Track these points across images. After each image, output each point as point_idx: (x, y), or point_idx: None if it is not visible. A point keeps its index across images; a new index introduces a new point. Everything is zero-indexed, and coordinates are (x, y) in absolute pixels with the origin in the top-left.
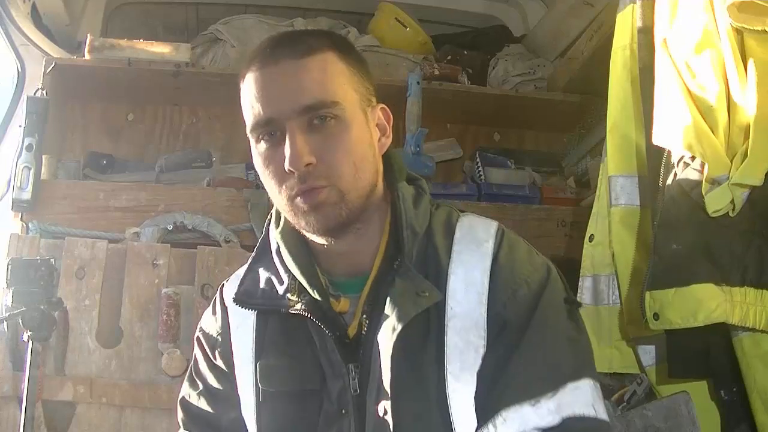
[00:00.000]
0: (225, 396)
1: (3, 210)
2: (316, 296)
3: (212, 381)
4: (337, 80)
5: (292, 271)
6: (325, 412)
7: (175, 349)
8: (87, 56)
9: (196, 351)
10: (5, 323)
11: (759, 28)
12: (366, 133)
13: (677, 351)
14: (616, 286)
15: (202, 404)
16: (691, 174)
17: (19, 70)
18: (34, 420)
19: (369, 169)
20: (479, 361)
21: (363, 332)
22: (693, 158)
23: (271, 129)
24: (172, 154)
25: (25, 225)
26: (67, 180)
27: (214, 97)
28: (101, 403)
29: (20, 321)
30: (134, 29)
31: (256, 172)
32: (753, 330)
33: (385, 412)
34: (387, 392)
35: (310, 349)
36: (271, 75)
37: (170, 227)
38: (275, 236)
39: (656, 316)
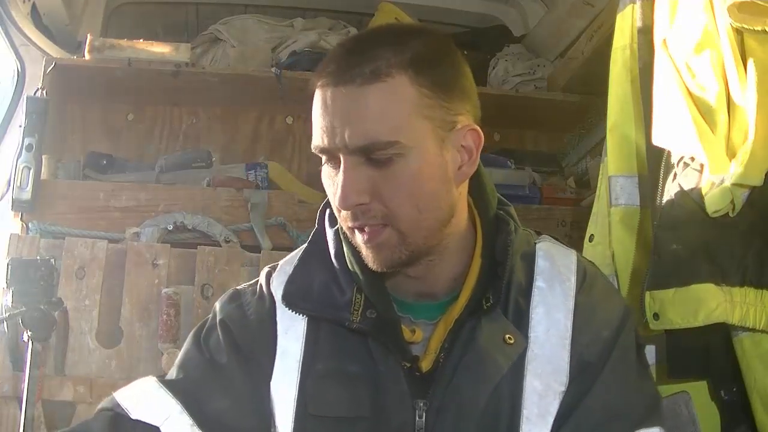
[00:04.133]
0: (229, 382)
1: (3, 210)
2: (388, 315)
3: (229, 369)
4: (400, 113)
5: (358, 284)
6: None
7: (175, 349)
8: (87, 56)
9: (219, 329)
10: (5, 323)
11: (759, 28)
12: (436, 168)
13: (677, 351)
14: (616, 286)
15: (197, 373)
16: (691, 174)
17: (19, 70)
18: (34, 420)
19: (439, 206)
20: (557, 406)
21: (438, 368)
22: (693, 158)
23: (328, 156)
24: (172, 154)
25: (25, 225)
26: (67, 180)
27: (214, 97)
28: None
29: (20, 321)
30: (134, 29)
31: (256, 172)
32: (753, 330)
33: None
34: None
35: (368, 372)
36: (332, 100)
37: (170, 227)
38: (333, 237)
39: (656, 316)
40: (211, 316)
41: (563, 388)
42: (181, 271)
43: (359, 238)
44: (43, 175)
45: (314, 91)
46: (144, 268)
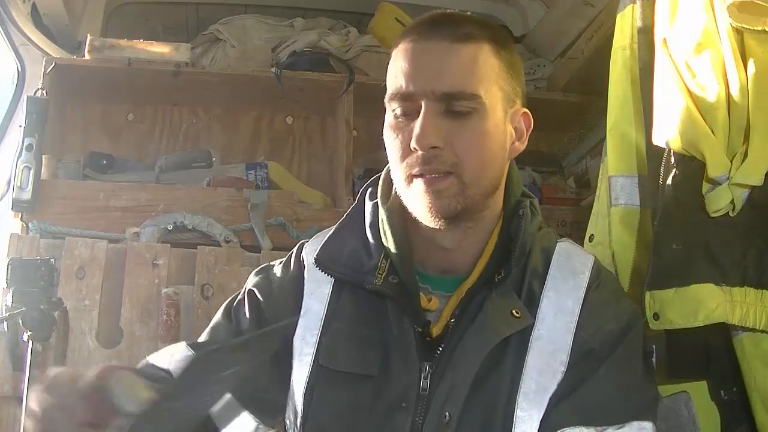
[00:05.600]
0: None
1: (3, 210)
2: (409, 281)
3: (246, 326)
4: (484, 73)
5: (389, 247)
6: (381, 402)
7: None
8: (87, 56)
9: (246, 299)
10: (5, 323)
11: (759, 28)
12: (501, 133)
13: (677, 351)
14: None
15: (221, 337)
16: (692, 174)
17: (19, 70)
18: None
19: (496, 168)
20: (554, 386)
21: (447, 335)
22: (693, 158)
23: (407, 104)
24: (172, 154)
25: (25, 225)
26: (67, 180)
27: (214, 97)
28: None
29: (20, 321)
30: (134, 29)
31: (256, 172)
32: (753, 330)
33: (449, 419)
34: (457, 401)
35: (382, 333)
36: (421, 51)
37: (170, 227)
38: (381, 211)
39: (656, 316)
40: (242, 290)
41: (563, 368)
42: (181, 271)
43: (419, 187)
44: (43, 175)
45: (394, 50)
46: (144, 268)
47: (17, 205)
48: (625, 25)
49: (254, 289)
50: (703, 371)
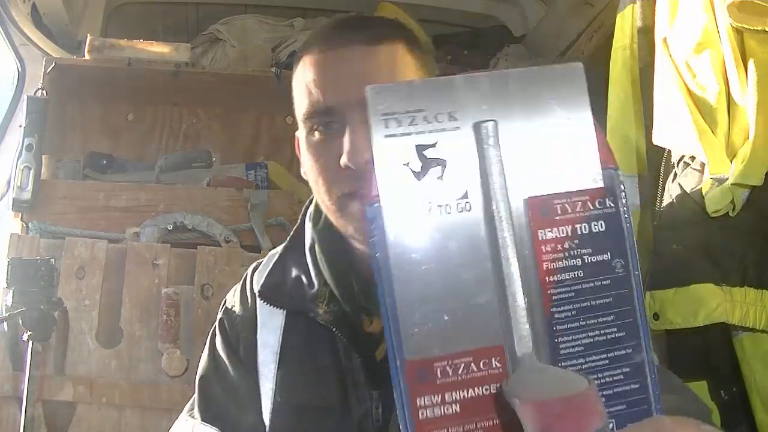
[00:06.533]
0: (243, 392)
1: (3, 210)
2: (347, 309)
3: (231, 370)
4: (405, 73)
5: (324, 275)
6: None
7: (175, 349)
8: (87, 56)
9: (218, 332)
10: (5, 323)
11: (759, 28)
12: None
13: (677, 351)
14: None
15: (217, 390)
16: (691, 174)
17: (19, 70)
18: (34, 420)
19: None
20: None
21: None
22: (693, 158)
23: (329, 119)
24: (172, 154)
25: (25, 225)
26: (67, 180)
27: (214, 97)
28: (101, 403)
29: (20, 321)
30: (134, 29)
31: (256, 172)
32: (753, 330)
33: None
34: None
35: (337, 362)
36: (337, 59)
37: (170, 227)
38: (311, 234)
39: (656, 316)
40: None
41: None
42: (181, 271)
43: (355, 207)
44: (43, 175)
45: (299, 64)
46: (144, 268)
47: (17, 205)
48: (625, 25)
49: (220, 333)
50: (703, 371)
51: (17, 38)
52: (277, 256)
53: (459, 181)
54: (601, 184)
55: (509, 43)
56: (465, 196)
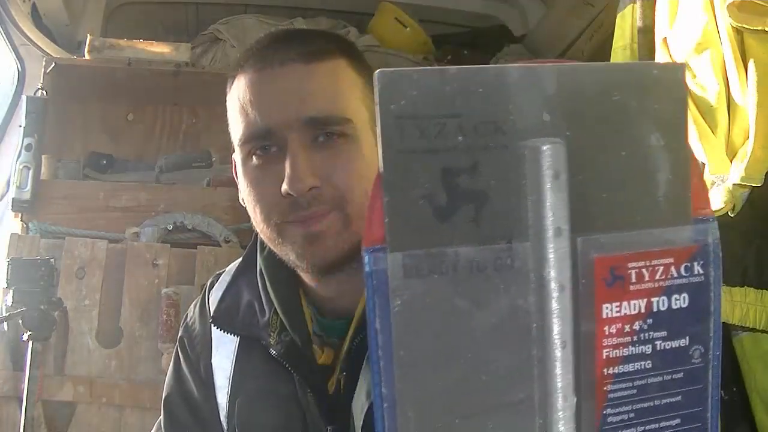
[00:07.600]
0: (207, 416)
1: (3, 210)
2: (297, 341)
3: (195, 391)
4: (349, 93)
5: (274, 304)
6: None
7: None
8: (87, 56)
9: (179, 350)
10: (5, 323)
11: (759, 28)
12: (375, 157)
13: None
14: None
15: (183, 411)
16: None
17: (19, 70)
18: (34, 420)
19: None
20: None
21: (341, 391)
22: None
23: (267, 142)
24: (172, 154)
25: (25, 225)
26: (67, 180)
27: (214, 97)
28: (101, 403)
29: (20, 321)
30: (134, 29)
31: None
32: (753, 330)
33: None
34: None
35: (294, 394)
36: (272, 78)
37: (170, 227)
38: (259, 259)
39: None
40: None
41: None
42: (181, 271)
43: (295, 232)
44: (43, 175)
45: (233, 84)
46: (144, 268)
47: (17, 205)
48: (625, 25)
49: (181, 351)
50: None
51: (17, 38)
52: (230, 277)
53: (501, 227)
54: (692, 242)
55: (509, 43)
56: (508, 248)
